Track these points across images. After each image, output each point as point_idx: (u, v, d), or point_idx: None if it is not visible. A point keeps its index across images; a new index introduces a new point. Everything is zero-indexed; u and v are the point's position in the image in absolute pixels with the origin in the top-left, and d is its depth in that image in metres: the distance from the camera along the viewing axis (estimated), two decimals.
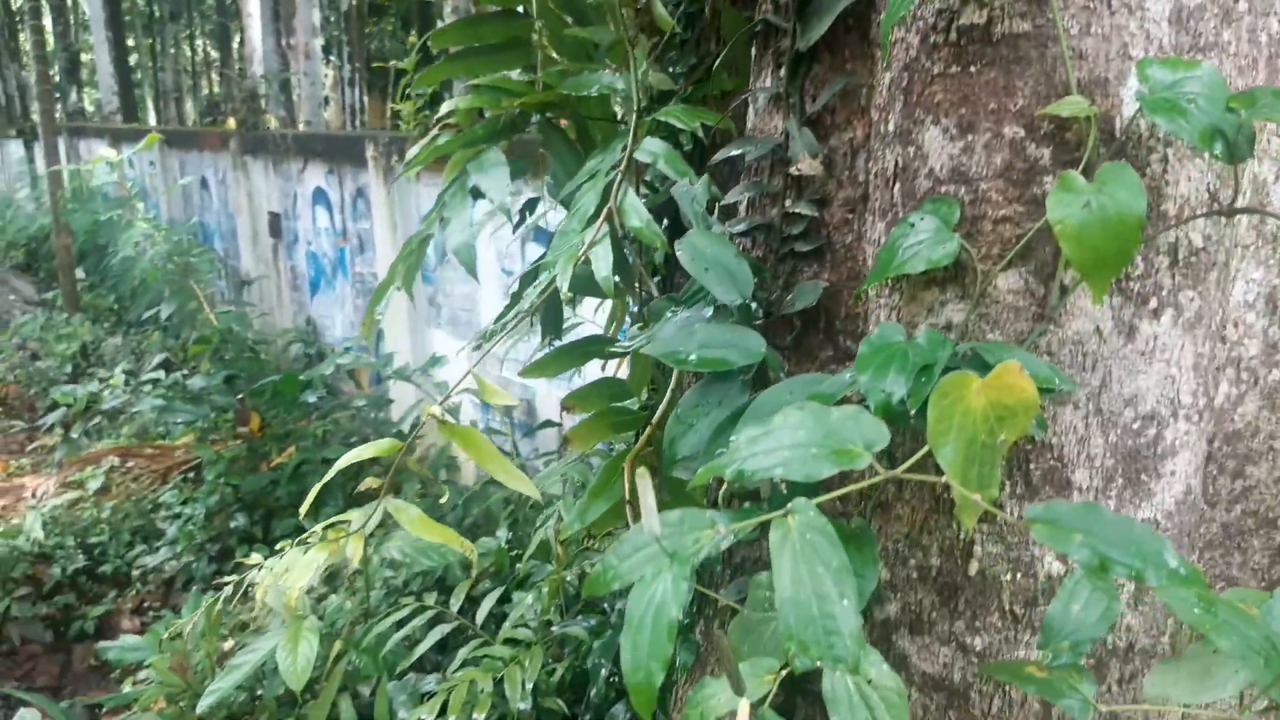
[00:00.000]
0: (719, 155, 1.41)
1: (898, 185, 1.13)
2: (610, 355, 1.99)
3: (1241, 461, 1.39)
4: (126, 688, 4.25)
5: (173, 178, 9.74)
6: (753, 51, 1.44)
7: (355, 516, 1.74)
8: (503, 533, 3.74)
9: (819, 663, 0.76)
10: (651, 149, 1.67)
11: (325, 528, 1.78)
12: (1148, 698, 1.13)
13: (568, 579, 2.82)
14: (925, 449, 0.94)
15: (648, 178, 2.19)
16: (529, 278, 1.98)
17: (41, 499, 6.04)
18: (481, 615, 2.99)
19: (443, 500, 3.94)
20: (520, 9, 2.13)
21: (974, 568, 1.12)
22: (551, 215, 2.52)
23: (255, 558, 1.82)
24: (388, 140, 5.90)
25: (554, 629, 2.72)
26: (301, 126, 10.83)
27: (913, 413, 0.95)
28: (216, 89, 20.91)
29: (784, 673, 1.04)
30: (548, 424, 5.21)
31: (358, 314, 6.77)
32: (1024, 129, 1.03)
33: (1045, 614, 1.00)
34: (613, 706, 2.54)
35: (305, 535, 1.80)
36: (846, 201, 1.31)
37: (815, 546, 0.78)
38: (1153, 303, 1.07)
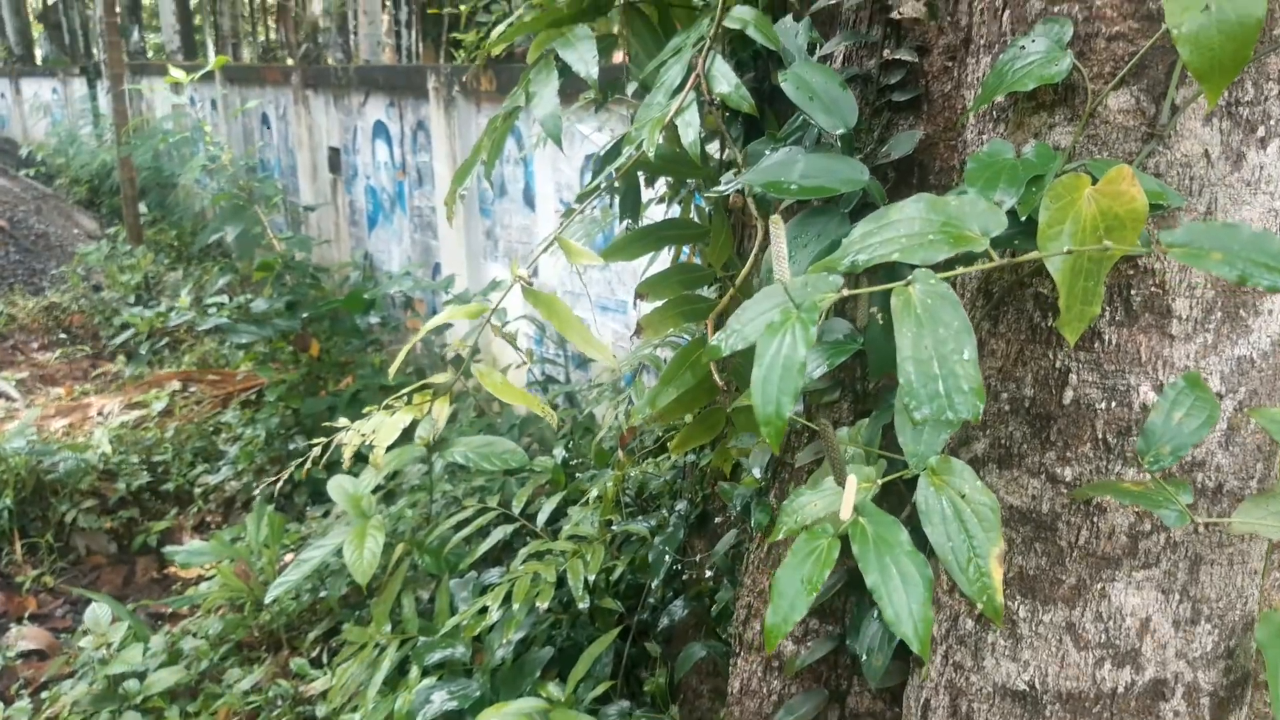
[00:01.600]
0: (818, 4, 1.41)
1: (1007, 13, 1.13)
2: (691, 239, 2.01)
3: None
4: None
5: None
6: None
7: (440, 379, 1.78)
8: (559, 451, 3.79)
9: (942, 416, 0.77)
10: (741, 15, 1.68)
11: (410, 392, 1.83)
12: (1234, 531, 1.13)
13: (628, 480, 2.87)
14: (1031, 254, 0.95)
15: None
16: (610, 155, 2.00)
17: (108, 417, 6.21)
18: (542, 518, 3.05)
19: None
20: None
21: (1069, 397, 1.13)
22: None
23: (342, 420, 1.87)
24: (449, 71, 5.92)
25: (614, 528, 2.77)
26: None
27: (1022, 219, 0.96)
28: (274, 35, 21.07)
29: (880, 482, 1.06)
30: None
31: (415, 248, 6.84)
32: None
33: (1145, 425, 1.01)
34: (671, 603, 2.59)
35: (389, 400, 1.85)
36: (947, 49, 1.31)
37: (935, 310, 0.80)
38: (1260, 131, 1.07)
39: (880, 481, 0.98)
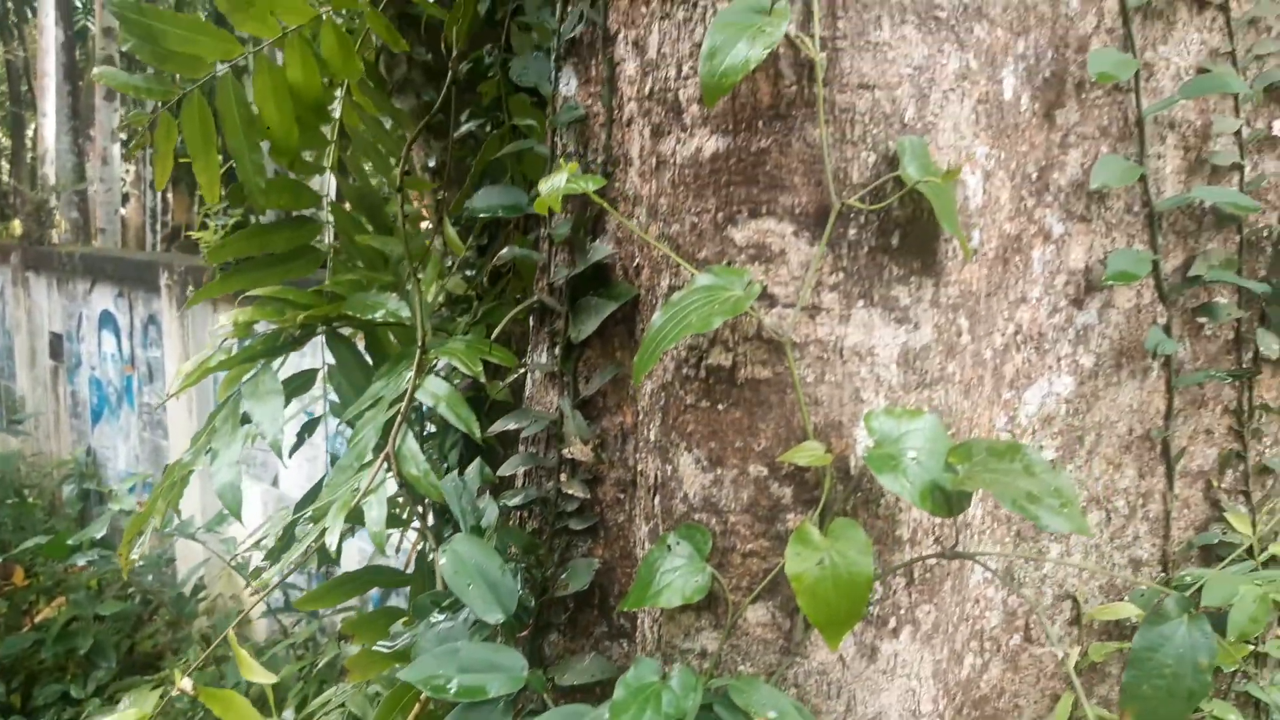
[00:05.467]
0: (495, 428, 1.41)
1: (658, 498, 1.16)
2: (395, 584, 1.93)
3: None
4: None
5: None
6: (530, 324, 1.46)
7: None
8: (290, 714, 3.51)
9: None
10: (435, 390, 1.66)
11: None
12: None
13: None
14: None
15: None
16: (309, 498, 1.91)
17: None
18: None
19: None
20: (310, 213, 2.10)
21: None
22: None
23: None
24: (184, 269, 5.65)
25: None
26: (97, 234, 10.24)
27: None
28: (7, 177, 19.63)
29: None
30: None
31: (143, 447, 6.36)
32: (767, 468, 1.07)
33: None
34: None
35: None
36: (618, 482, 1.33)
37: None
38: (891, 622, 1.13)
39: None
